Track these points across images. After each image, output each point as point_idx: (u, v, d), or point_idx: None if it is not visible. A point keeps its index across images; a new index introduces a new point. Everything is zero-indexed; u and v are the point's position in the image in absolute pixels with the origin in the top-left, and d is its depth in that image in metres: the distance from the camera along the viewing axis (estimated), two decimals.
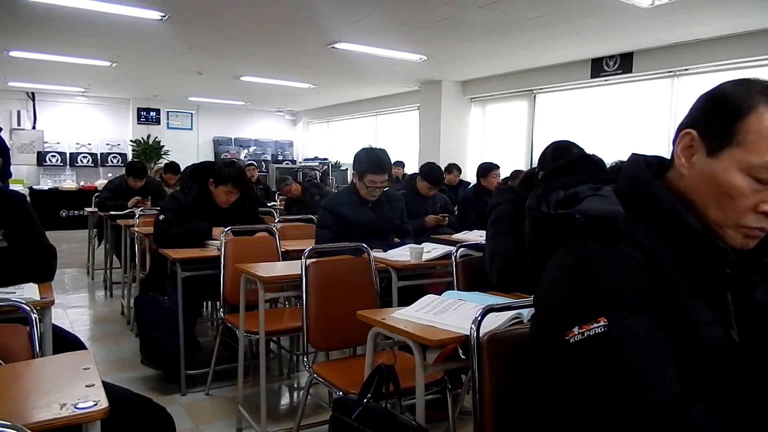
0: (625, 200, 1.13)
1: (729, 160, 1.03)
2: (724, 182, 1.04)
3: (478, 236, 4.24)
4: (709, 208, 1.07)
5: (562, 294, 1.08)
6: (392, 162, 9.43)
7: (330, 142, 13.89)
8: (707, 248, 1.05)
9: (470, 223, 5.26)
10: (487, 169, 5.66)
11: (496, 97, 9.14)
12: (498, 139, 9.07)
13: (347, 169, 12.60)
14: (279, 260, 3.53)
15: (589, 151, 2.48)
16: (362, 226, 3.40)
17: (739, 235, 1.06)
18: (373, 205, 3.48)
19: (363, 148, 3.49)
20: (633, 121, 7.06)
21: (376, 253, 3.14)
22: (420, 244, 3.48)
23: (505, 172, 5.97)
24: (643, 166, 1.14)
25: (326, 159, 13.11)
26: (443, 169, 7.40)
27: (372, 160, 3.36)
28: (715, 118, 1.05)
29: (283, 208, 6.56)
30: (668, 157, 1.19)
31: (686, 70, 6.59)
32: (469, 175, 9.19)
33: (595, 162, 3.00)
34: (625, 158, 1.28)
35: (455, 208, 5.83)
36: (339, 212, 3.39)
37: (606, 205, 1.11)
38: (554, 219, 1.14)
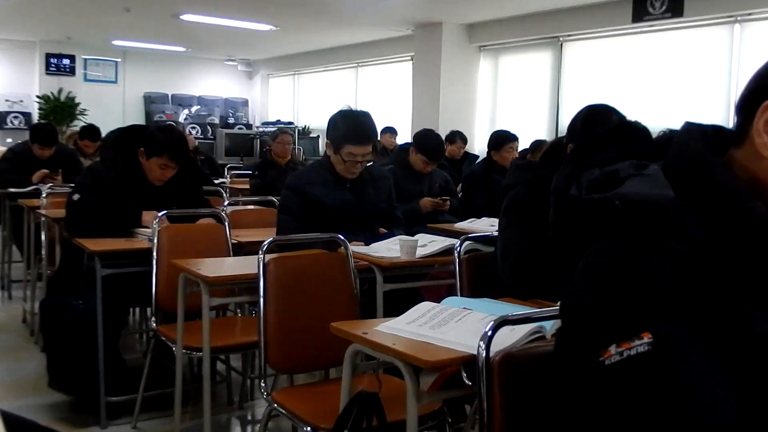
0: (676, 182, 1.13)
1: None
2: None
3: (488, 225, 4.27)
4: None
5: (596, 302, 1.08)
6: (378, 129, 9.51)
7: (297, 102, 13.85)
8: None
9: (478, 208, 5.28)
10: (501, 140, 5.67)
11: (513, 45, 9.14)
12: (514, 100, 9.10)
13: (319, 137, 12.58)
14: (229, 255, 3.53)
15: (630, 116, 2.49)
16: (338, 212, 3.40)
17: None
18: (353, 185, 3.48)
19: (340, 111, 3.49)
20: (684, 79, 7.11)
21: (356, 247, 3.14)
22: (413, 235, 3.49)
23: (523, 144, 5.99)
24: (699, 139, 1.14)
25: (291, 123, 13.08)
26: (444, 138, 7.44)
27: (351, 126, 3.37)
28: None
29: (256, 179, 6.53)
30: (729, 126, 1.19)
31: (749, 15, 6.61)
32: (477, 146, 9.24)
33: (639, 131, 3.00)
34: (675, 127, 1.28)
35: (459, 189, 5.85)
36: (308, 193, 3.39)
37: (652, 189, 1.11)
38: (587, 205, 1.14)
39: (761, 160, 1.10)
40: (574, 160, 1.29)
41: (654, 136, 2.79)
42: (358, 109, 3.54)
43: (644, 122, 2.50)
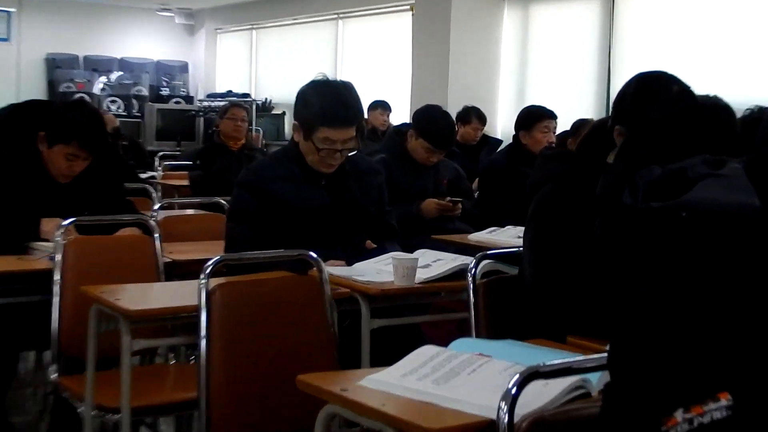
0: (765, 186, 1.14)
1: None
2: None
3: (514, 237, 4.27)
4: None
5: (657, 351, 1.08)
6: (365, 104, 9.49)
7: (255, 67, 13.86)
8: None
9: (501, 212, 5.28)
10: (533, 117, 5.67)
11: None
12: (550, 67, 9.11)
13: (284, 114, 12.57)
14: (160, 279, 3.53)
15: (701, 90, 2.48)
16: (310, 220, 3.40)
17: None
18: (330, 182, 3.49)
19: (313, 82, 3.49)
20: None
21: (335, 269, 3.13)
22: (412, 250, 3.48)
23: (563, 125, 6.00)
24: None
25: (248, 96, 13.09)
26: (455, 117, 7.45)
27: (328, 102, 3.38)
28: None
29: (197, 171, 6.54)
30: None
31: None
32: (500, 128, 9.21)
33: (715, 112, 2.99)
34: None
35: (475, 186, 5.83)
36: (268, 194, 3.40)
37: (731, 195, 1.12)
38: (644, 217, 1.15)
39: None
40: (626, 154, 1.30)
41: (738, 116, 2.81)
42: (338, 79, 3.54)
43: (724, 98, 2.50)
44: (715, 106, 3.17)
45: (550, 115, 5.72)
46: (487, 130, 7.74)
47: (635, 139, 1.41)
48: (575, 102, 8.51)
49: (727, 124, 3.17)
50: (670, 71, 2.58)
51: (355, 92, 3.49)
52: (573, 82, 8.83)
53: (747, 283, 1.07)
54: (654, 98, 2.48)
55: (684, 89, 2.48)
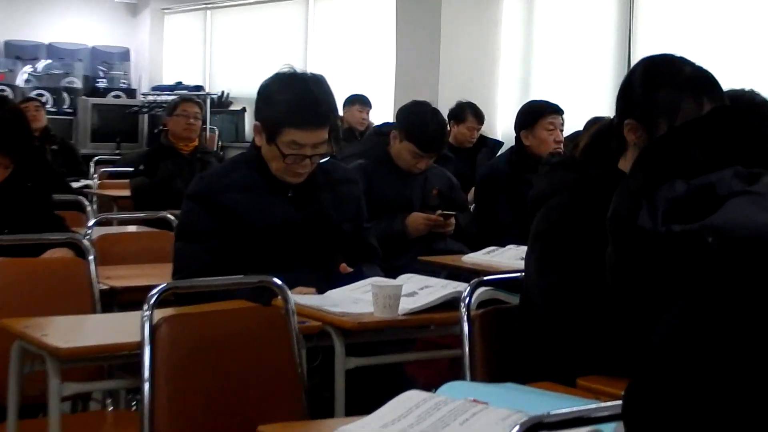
0: None
1: None
2: None
3: (516, 258, 4.28)
4: None
5: (677, 398, 1.10)
6: (340, 101, 9.48)
7: (210, 54, 13.84)
8: None
9: (501, 228, 5.31)
10: (535, 114, 5.68)
11: None
12: (560, 58, 9.15)
13: (245, 110, 12.55)
14: (95, 311, 3.51)
15: (728, 80, 2.50)
16: (274, 239, 3.42)
17: None
18: (298, 194, 3.51)
19: (277, 75, 3.50)
20: None
21: (303, 297, 3.14)
22: (396, 274, 3.49)
23: (573, 124, 6.02)
24: None
25: (201, 88, 13.07)
26: (447, 115, 7.45)
27: (295, 99, 3.39)
28: None
29: (140, 179, 6.52)
30: None
31: None
32: (501, 128, 9.22)
33: (749, 114, 3.01)
34: None
35: (471, 197, 5.84)
36: (224, 207, 3.42)
37: (765, 215, 1.13)
38: (665, 243, 1.16)
39: None
40: (644, 165, 1.32)
41: None
42: (307, 71, 3.54)
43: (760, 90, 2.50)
44: (751, 103, 3.21)
45: (555, 110, 5.71)
46: (485, 129, 7.76)
47: (655, 148, 1.42)
48: (590, 97, 8.53)
49: (763, 128, 3.21)
50: (701, 62, 2.62)
51: (327, 87, 3.50)
52: (586, 73, 8.85)
53: None
54: (666, 82, 2.51)
55: (698, 69, 2.52)
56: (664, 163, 1.32)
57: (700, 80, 2.51)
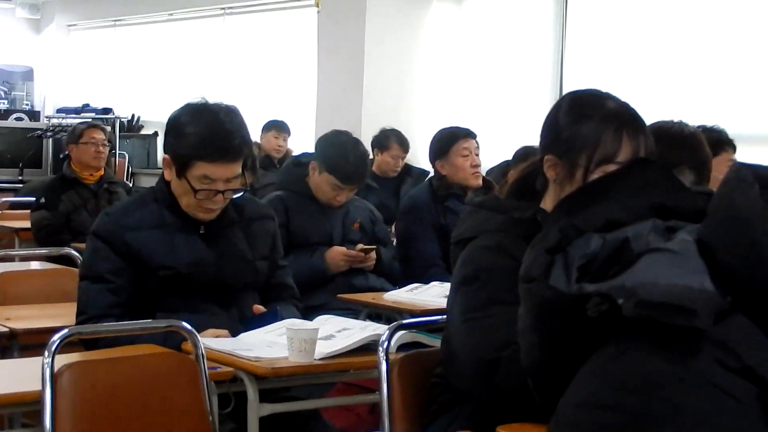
0: (718, 263, 1.20)
1: None
2: None
3: (441, 296, 4.30)
4: None
5: None
6: (259, 125, 9.42)
7: (120, 74, 13.72)
8: None
9: (425, 261, 5.34)
10: (446, 141, 5.73)
11: None
12: (491, 77, 9.21)
13: (157, 134, 12.45)
14: None
15: (659, 109, 2.56)
16: (183, 279, 3.41)
17: None
18: (210, 231, 3.50)
19: (188, 105, 3.49)
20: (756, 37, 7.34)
21: (214, 341, 3.14)
22: (315, 314, 3.50)
23: (502, 152, 6.07)
24: (753, 192, 1.21)
25: (109, 111, 12.95)
26: (371, 142, 7.48)
27: (207, 130, 3.39)
28: None
29: (42, 211, 6.41)
30: None
31: None
32: (427, 155, 9.17)
33: (680, 146, 3.11)
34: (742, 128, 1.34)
35: (392, 229, 5.86)
36: (130, 246, 3.40)
37: (678, 276, 1.17)
38: (577, 303, 1.19)
39: None
40: (558, 219, 1.35)
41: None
42: (220, 102, 3.52)
43: (695, 120, 2.55)
44: (680, 135, 3.27)
45: (467, 134, 5.75)
46: (411, 158, 7.77)
47: (570, 200, 1.46)
48: (519, 124, 8.58)
49: (693, 159, 3.27)
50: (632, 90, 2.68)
51: (240, 118, 3.49)
52: (516, 100, 8.91)
53: (689, 379, 1.12)
54: (589, 116, 2.57)
55: (621, 105, 2.59)
56: (578, 218, 1.35)
57: (622, 115, 2.57)
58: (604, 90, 2.69)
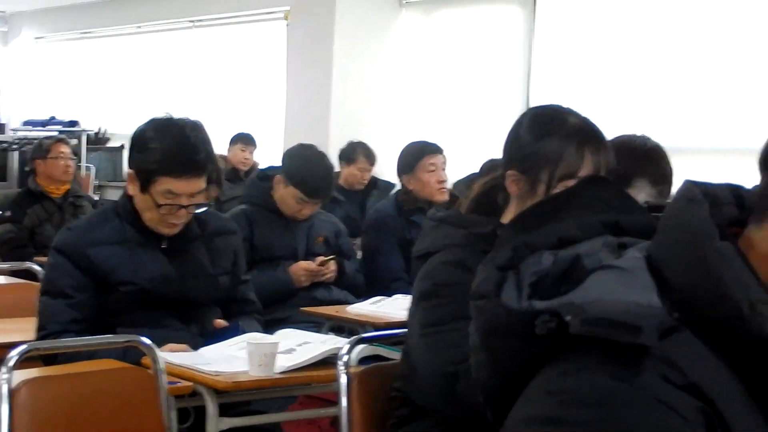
0: (666, 280, 1.20)
1: None
2: None
3: (404, 309, 4.28)
4: None
5: None
6: (227, 138, 9.44)
7: (87, 86, 13.67)
8: None
9: (390, 274, 5.34)
10: (412, 157, 5.75)
11: None
12: (455, 98, 9.23)
13: (123, 147, 12.40)
14: None
15: (624, 123, 2.58)
16: (147, 293, 3.41)
17: None
18: (173, 246, 3.51)
19: (152, 120, 3.50)
20: (722, 46, 7.41)
21: (174, 356, 3.14)
22: (278, 326, 3.49)
23: (469, 162, 6.08)
24: (702, 211, 1.22)
25: (76, 123, 12.89)
26: (338, 155, 7.48)
27: (170, 145, 3.39)
28: None
29: (5, 225, 6.36)
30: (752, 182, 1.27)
31: None
32: (393, 168, 9.17)
33: (643, 155, 3.13)
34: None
35: (357, 243, 5.86)
36: (92, 261, 3.40)
37: (626, 293, 1.18)
38: (526, 320, 1.20)
39: None
40: (510, 236, 1.35)
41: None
42: (184, 117, 3.51)
43: (658, 131, 2.57)
44: (643, 148, 3.29)
45: (433, 150, 5.80)
46: (377, 171, 7.78)
47: (523, 218, 1.46)
48: (486, 137, 8.59)
49: (656, 172, 3.29)
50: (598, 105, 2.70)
51: (204, 134, 3.49)
52: (483, 113, 8.93)
53: (633, 395, 1.13)
54: (551, 132, 2.59)
55: (583, 121, 2.62)
56: (531, 235, 1.35)
57: (584, 131, 2.59)
58: (568, 104, 2.71)
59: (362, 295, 4.94)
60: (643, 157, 3.21)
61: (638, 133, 3.41)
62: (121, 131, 12.37)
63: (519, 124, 2.69)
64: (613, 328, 1.13)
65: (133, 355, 3.03)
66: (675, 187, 4.03)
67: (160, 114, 3.54)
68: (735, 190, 1.33)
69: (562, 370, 1.17)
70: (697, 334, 1.17)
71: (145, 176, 3.40)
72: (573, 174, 2.51)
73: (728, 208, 1.29)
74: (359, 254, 5.67)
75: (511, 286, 1.27)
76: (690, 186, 1.27)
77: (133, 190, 3.46)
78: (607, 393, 1.13)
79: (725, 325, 1.16)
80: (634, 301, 1.17)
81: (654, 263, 1.24)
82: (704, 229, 1.20)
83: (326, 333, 4.36)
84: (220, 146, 9.22)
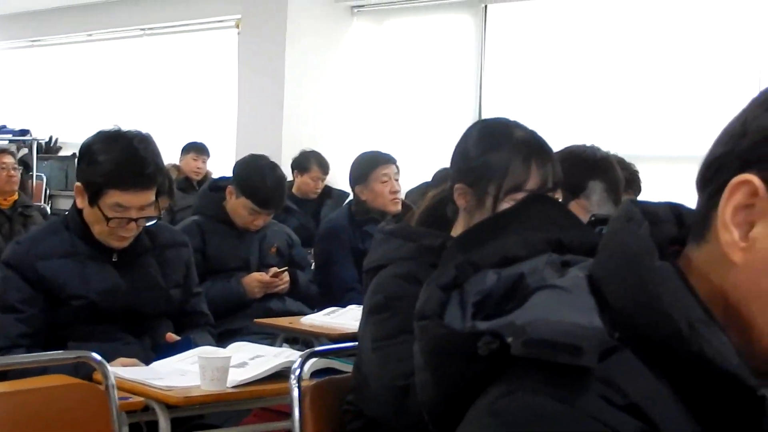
0: (606, 300, 1.22)
1: None
2: None
3: (357, 320, 4.29)
4: None
5: None
6: (179, 147, 9.42)
7: (37, 94, 13.58)
8: (748, 405, 1.16)
9: (343, 285, 5.34)
10: (365, 167, 5.76)
11: (406, 6, 9.40)
12: (408, 107, 9.26)
13: (75, 156, 12.30)
14: None
15: (575, 133, 2.61)
16: (97, 307, 3.40)
17: None
18: (123, 259, 3.50)
19: (100, 133, 3.49)
20: (675, 51, 7.49)
21: (125, 370, 3.13)
22: (232, 339, 3.48)
23: (422, 171, 6.08)
24: (642, 230, 1.23)
25: (26, 132, 12.78)
26: (291, 164, 7.48)
27: (119, 158, 3.39)
28: None
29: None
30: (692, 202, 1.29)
31: None
32: (347, 177, 9.18)
33: (591, 165, 3.17)
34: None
35: (311, 253, 5.87)
36: (40, 275, 3.39)
37: (568, 313, 1.19)
38: (469, 341, 1.21)
39: (729, 268, 1.21)
40: (454, 255, 1.36)
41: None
42: (132, 129, 3.49)
43: (609, 141, 2.59)
44: (592, 158, 3.32)
45: (386, 160, 5.80)
46: (331, 180, 7.78)
47: (468, 236, 1.47)
48: (440, 145, 8.60)
49: (605, 182, 3.32)
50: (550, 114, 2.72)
51: (154, 146, 3.49)
52: (436, 122, 8.96)
53: (572, 417, 1.14)
54: (498, 146, 2.61)
55: (529, 134, 2.65)
56: (475, 254, 1.36)
57: (530, 144, 2.62)
58: (520, 112, 2.74)
59: (317, 305, 4.94)
60: (593, 168, 3.24)
61: (587, 143, 3.45)
62: (72, 140, 12.30)
63: (466, 137, 2.71)
64: (554, 350, 1.14)
65: (85, 369, 3.01)
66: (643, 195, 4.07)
67: (108, 126, 3.53)
68: (675, 209, 1.35)
69: (504, 391, 1.18)
70: (638, 354, 1.19)
71: (93, 189, 3.39)
72: (520, 187, 2.53)
73: (668, 226, 1.31)
74: (313, 264, 5.67)
75: (455, 306, 1.27)
76: (629, 205, 1.28)
77: (81, 203, 3.45)
78: (547, 414, 1.14)
79: (665, 345, 1.17)
80: (575, 322, 1.18)
81: (595, 283, 1.25)
82: (643, 249, 1.21)
83: (280, 344, 4.38)
84: (172, 155, 9.22)
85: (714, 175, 1.22)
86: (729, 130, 1.23)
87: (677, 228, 1.31)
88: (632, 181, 4.25)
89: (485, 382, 1.22)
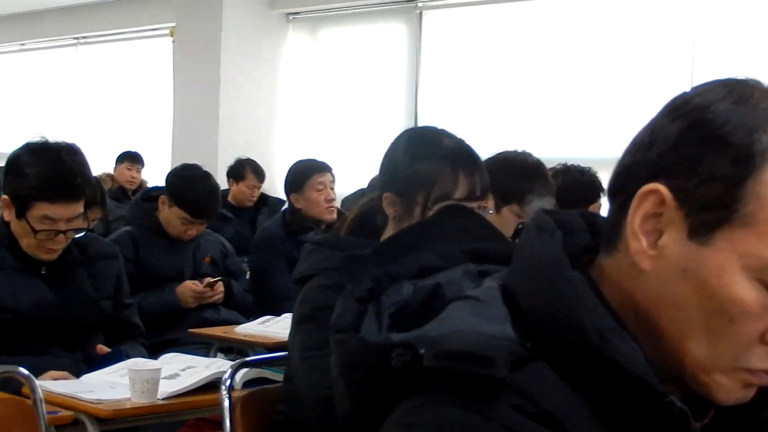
0: (519, 309, 1.23)
1: (727, 249, 1.16)
2: (722, 292, 1.16)
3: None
4: (688, 336, 1.19)
5: None
6: (114, 157, 9.35)
7: None
8: (658, 411, 1.17)
9: (279, 295, 5.32)
10: (300, 175, 5.74)
11: (341, 13, 9.41)
12: (343, 114, 9.30)
13: (2, 169, 12.16)
14: None
15: (508, 140, 2.63)
16: (26, 320, 3.37)
17: (735, 384, 1.19)
18: (52, 271, 3.47)
19: (27, 145, 3.47)
20: (608, 56, 7.59)
21: (54, 383, 3.10)
22: (166, 349, 3.46)
23: (358, 178, 6.08)
24: (554, 240, 1.24)
25: None
26: (226, 173, 7.46)
27: (46, 170, 3.36)
28: (708, 167, 1.17)
29: None
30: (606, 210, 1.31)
31: None
32: (283, 185, 9.20)
33: (525, 172, 3.20)
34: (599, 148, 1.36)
35: (245, 262, 5.85)
36: None
37: (480, 324, 1.20)
38: (384, 353, 1.20)
39: (637, 276, 1.22)
40: (370, 266, 1.36)
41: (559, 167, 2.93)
42: (61, 141, 3.47)
43: (547, 148, 2.62)
44: (524, 164, 3.34)
45: (322, 168, 5.78)
46: (267, 187, 7.77)
47: (385, 247, 1.48)
48: (375, 152, 8.62)
49: (539, 188, 3.34)
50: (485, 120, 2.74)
51: (82, 158, 3.46)
52: (371, 128, 8.97)
53: (485, 426, 1.14)
54: (426, 155, 2.62)
55: (457, 142, 2.66)
56: (391, 265, 1.37)
57: (458, 154, 2.63)
58: (455, 118, 2.76)
59: (252, 314, 4.92)
60: (525, 174, 3.27)
61: (519, 149, 3.47)
62: (2, 151, 12.14)
63: (395, 146, 2.71)
64: (465, 361, 1.14)
65: (13, 384, 2.98)
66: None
67: (35, 138, 3.50)
68: (589, 217, 1.36)
69: (417, 403, 1.18)
70: (551, 363, 1.19)
71: (20, 202, 3.36)
72: (448, 196, 2.54)
73: (582, 235, 1.32)
74: (248, 273, 5.66)
75: (372, 318, 1.27)
76: (541, 214, 1.29)
77: (8, 215, 3.42)
78: (459, 424, 1.14)
79: (577, 353, 1.18)
80: (487, 333, 1.18)
81: (509, 293, 1.26)
82: (554, 260, 1.22)
83: (215, 354, 4.35)
84: (106, 165, 9.16)
85: (624, 184, 1.23)
86: (638, 140, 1.24)
87: (591, 237, 1.33)
88: (592, 184, 4.27)
89: (401, 393, 1.22)
